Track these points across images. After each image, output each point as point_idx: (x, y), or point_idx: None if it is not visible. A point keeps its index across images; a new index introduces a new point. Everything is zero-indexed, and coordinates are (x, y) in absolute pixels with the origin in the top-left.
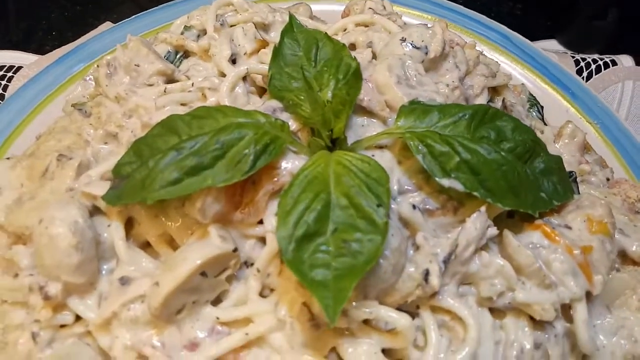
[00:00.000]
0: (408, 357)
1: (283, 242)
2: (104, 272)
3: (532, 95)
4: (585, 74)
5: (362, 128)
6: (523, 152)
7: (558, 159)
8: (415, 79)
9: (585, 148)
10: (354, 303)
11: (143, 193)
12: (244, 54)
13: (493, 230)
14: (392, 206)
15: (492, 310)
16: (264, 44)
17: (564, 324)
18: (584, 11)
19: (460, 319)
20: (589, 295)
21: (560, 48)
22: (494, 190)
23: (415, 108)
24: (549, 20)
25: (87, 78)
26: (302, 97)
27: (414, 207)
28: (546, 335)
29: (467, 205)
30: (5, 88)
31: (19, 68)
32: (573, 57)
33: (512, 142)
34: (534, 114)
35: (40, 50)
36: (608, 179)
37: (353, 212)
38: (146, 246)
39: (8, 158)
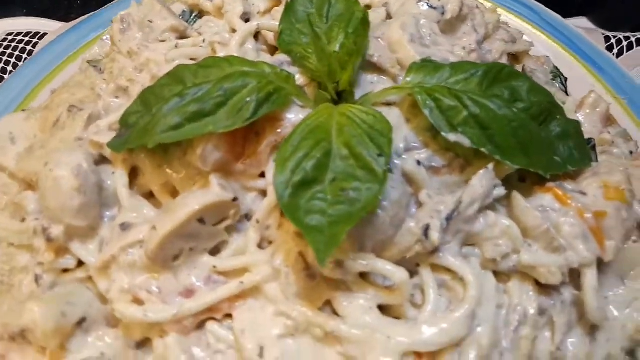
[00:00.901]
0: (405, 314)
1: (280, 187)
2: (106, 219)
3: (556, 67)
4: (615, 51)
5: (372, 85)
6: (538, 113)
7: (576, 124)
8: (429, 38)
9: (609, 121)
10: (350, 255)
11: (145, 137)
12: (257, 12)
13: (500, 190)
14: (396, 162)
15: (496, 275)
16: (277, 2)
17: (572, 291)
18: None
19: (461, 279)
20: (601, 265)
21: (591, 26)
22: (503, 147)
23: (426, 65)
24: None
25: (105, 38)
26: (310, 51)
27: (418, 163)
28: (552, 302)
29: (475, 164)
30: (30, 53)
31: (45, 35)
32: (603, 34)
33: (527, 102)
34: (557, 85)
35: (65, 18)
36: (631, 152)
37: (353, 162)
38: (149, 197)
39: (23, 110)
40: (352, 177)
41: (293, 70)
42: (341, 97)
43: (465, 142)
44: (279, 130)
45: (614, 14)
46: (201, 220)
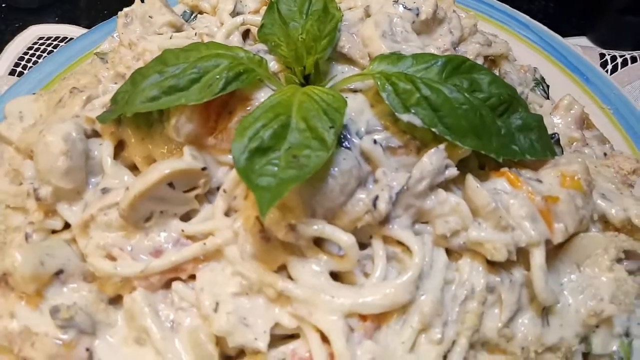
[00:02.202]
0: (355, 282)
1: (236, 152)
2: (91, 185)
3: (541, 77)
4: (610, 67)
5: (342, 75)
6: (497, 104)
7: (538, 117)
8: (401, 35)
9: (587, 125)
10: (303, 219)
11: (125, 107)
12: (248, 12)
13: (453, 171)
14: (355, 141)
15: (449, 253)
16: (266, 3)
17: (523, 272)
18: (615, 6)
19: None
20: (557, 252)
21: (590, 44)
22: (454, 129)
23: (390, 56)
24: (579, 17)
25: (114, 35)
26: (282, 39)
27: (374, 141)
28: (499, 279)
29: (430, 146)
30: None
31: (71, 39)
32: (600, 52)
33: (486, 93)
34: (538, 92)
35: (91, 26)
36: (605, 154)
37: (308, 134)
38: (133, 168)
39: (34, 93)
40: (305, 146)
41: (269, 57)
42: (309, 81)
43: (417, 121)
44: (248, 108)
45: (613, 34)
46: (171, 185)
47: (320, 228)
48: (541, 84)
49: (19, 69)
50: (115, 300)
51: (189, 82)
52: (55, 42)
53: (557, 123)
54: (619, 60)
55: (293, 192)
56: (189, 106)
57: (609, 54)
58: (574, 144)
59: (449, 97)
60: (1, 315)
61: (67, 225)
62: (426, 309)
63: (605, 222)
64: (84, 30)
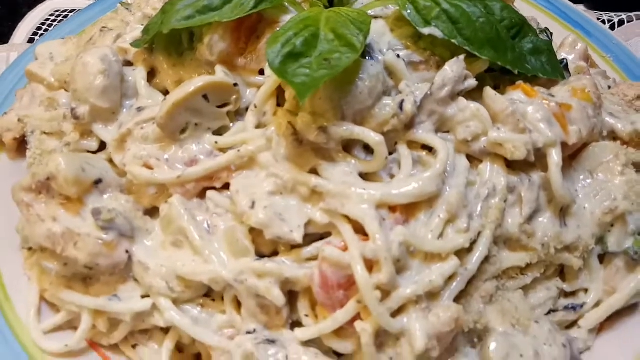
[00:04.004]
0: (381, 180)
1: (271, 56)
2: (125, 108)
3: (546, 28)
4: (607, 26)
5: (362, 3)
6: (510, 26)
7: (548, 42)
8: None
9: (590, 64)
10: (333, 122)
11: (161, 27)
12: None
13: (472, 82)
14: (379, 57)
15: (470, 161)
16: None
17: (540, 174)
18: None
19: (434, 155)
20: (572, 161)
21: (587, 10)
22: (472, 40)
23: None
24: None
25: None
26: None
27: (398, 56)
28: (519, 179)
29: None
30: None
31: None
32: (596, 14)
33: (499, 16)
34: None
35: None
36: (609, 87)
37: (337, 43)
38: (165, 94)
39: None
40: (335, 51)
41: None
42: (332, 4)
43: (438, 33)
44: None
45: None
46: (206, 98)
47: (350, 128)
48: (545, 32)
49: (36, 38)
50: (151, 213)
51: (222, 2)
52: (71, 15)
53: (564, 57)
54: (616, 20)
55: (323, 97)
56: (222, 25)
57: (606, 15)
58: (580, 73)
59: (467, 11)
60: (44, 219)
61: (101, 149)
62: (452, 199)
63: (614, 138)
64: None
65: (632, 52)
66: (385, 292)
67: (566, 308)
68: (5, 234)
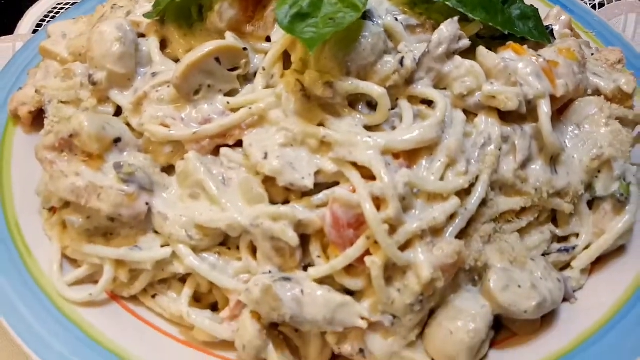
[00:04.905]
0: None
1: (280, 16)
2: (140, 75)
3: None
4: (588, 6)
5: None
6: None
7: (534, 9)
8: None
9: (574, 35)
10: (339, 77)
11: None
12: None
13: (465, 42)
14: (379, 21)
15: (466, 115)
16: None
17: (532, 125)
18: None
19: (433, 108)
20: (558, 116)
21: None
22: (465, 2)
23: None
24: None
25: None
26: None
27: (396, 19)
28: (512, 129)
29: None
30: None
31: None
32: None
33: None
34: None
35: None
36: (592, 54)
37: (340, 5)
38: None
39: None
40: (339, 12)
41: None
42: None
43: None
44: None
45: None
46: (218, 60)
47: (355, 83)
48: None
49: (40, 30)
50: (168, 171)
51: None
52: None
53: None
54: (597, 2)
55: (329, 56)
56: None
57: None
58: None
59: None
60: (67, 174)
61: (116, 114)
62: (452, 145)
63: (599, 96)
64: None
65: (611, 26)
66: (393, 227)
67: (559, 250)
68: (23, 201)
